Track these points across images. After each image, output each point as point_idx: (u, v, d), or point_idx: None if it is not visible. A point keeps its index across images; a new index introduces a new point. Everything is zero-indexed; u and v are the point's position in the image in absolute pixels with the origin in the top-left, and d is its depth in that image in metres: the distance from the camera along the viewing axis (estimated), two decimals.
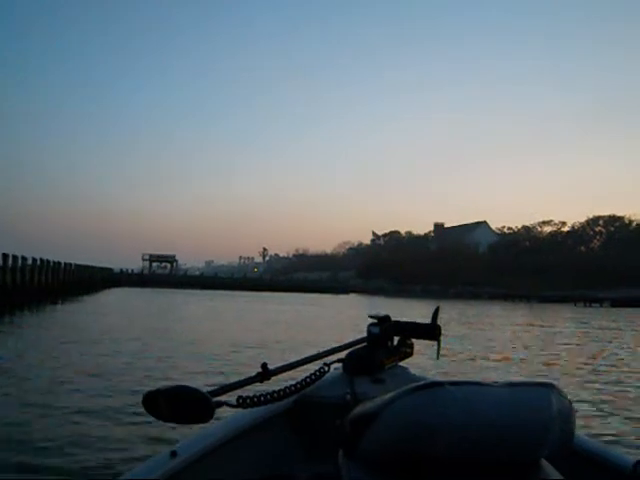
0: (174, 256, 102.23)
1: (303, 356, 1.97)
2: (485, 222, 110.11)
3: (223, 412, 1.52)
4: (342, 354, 2.09)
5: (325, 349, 2.06)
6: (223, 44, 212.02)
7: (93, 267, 57.56)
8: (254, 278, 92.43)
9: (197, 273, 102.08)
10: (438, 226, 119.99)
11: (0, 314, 20.10)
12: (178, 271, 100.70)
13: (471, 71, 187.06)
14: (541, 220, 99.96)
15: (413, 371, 2.11)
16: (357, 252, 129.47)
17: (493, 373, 10.32)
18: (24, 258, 29.54)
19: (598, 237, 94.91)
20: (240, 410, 1.65)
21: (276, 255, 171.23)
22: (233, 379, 1.68)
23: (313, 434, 1.89)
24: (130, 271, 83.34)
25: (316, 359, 2.00)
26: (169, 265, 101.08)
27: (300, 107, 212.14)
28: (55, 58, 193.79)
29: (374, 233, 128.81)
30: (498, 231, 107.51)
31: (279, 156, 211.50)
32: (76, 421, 5.99)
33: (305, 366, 1.95)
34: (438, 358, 2.11)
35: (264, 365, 1.73)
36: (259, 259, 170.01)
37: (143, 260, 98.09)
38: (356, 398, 1.72)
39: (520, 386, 1.09)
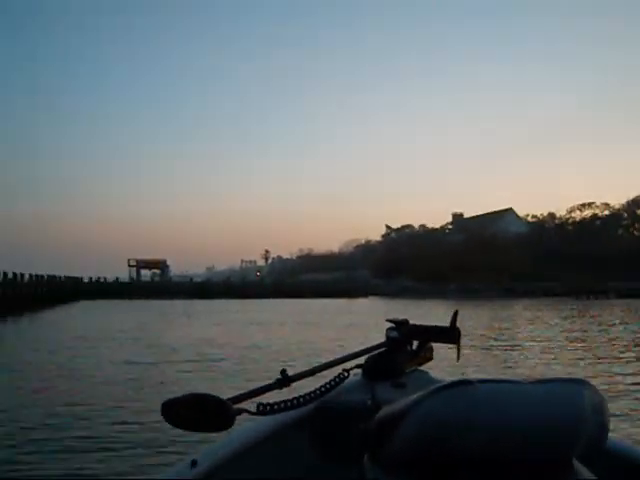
0: (165, 261, 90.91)
1: (322, 362, 1.92)
2: (511, 209, 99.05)
3: (243, 420, 1.52)
4: (361, 360, 2.08)
5: (344, 354, 2.01)
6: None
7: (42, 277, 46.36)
8: (255, 282, 79.91)
9: (199, 280, 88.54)
10: (457, 216, 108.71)
11: None
12: (169, 278, 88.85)
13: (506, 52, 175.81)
14: (581, 203, 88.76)
15: (434, 375, 2.09)
16: (366, 250, 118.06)
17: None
18: None
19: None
20: (260, 418, 1.64)
21: (279, 257, 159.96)
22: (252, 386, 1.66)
23: (334, 441, 1.85)
24: (103, 280, 68.68)
25: (335, 365, 1.95)
26: (159, 272, 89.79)
27: (296, 102, 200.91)
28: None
29: (387, 226, 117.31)
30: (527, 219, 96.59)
31: (278, 154, 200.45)
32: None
33: (324, 372, 1.91)
34: (458, 360, 2.13)
35: (283, 371, 1.72)
36: (262, 262, 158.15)
37: (129, 266, 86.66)
38: (377, 403, 1.70)
39: (551, 383, 1.04)
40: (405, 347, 2.13)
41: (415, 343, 2.18)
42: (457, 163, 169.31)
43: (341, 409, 1.85)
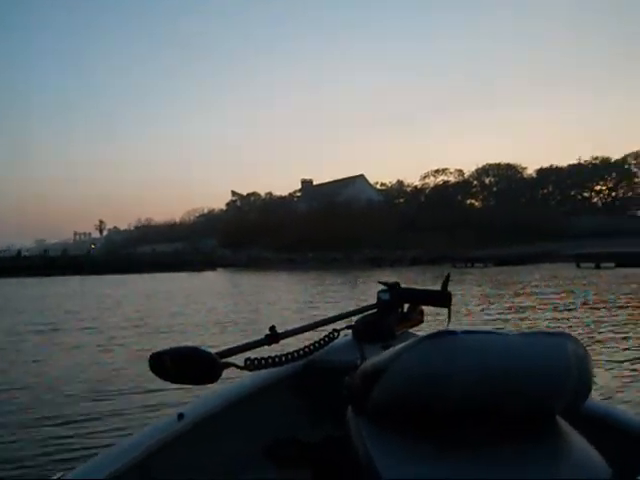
0: None
1: (313, 321, 1.95)
2: (362, 175, 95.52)
3: (231, 375, 1.54)
4: (352, 320, 2.10)
5: (335, 314, 2.04)
6: None
7: None
8: (82, 256, 65.91)
9: (26, 254, 74.36)
10: (306, 183, 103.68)
11: None
12: None
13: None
14: (435, 169, 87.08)
15: None
16: (210, 219, 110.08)
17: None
18: None
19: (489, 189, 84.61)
20: (248, 373, 1.64)
21: (116, 228, 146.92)
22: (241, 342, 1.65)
23: (321, 398, 1.89)
24: None
25: (325, 324, 1.98)
26: None
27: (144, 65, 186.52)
28: None
29: (234, 192, 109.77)
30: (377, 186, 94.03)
31: (118, 119, 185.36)
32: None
33: (314, 331, 1.94)
34: (449, 323, 2.09)
35: (272, 328, 1.72)
36: (97, 234, 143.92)
37: None
38: None
39: (536, 335, 1.02)
40: (396, 310, 2.11)
41: (406, 306, 2.15)
42: (304, 131, 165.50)
43: (329, 368, 1.85)
